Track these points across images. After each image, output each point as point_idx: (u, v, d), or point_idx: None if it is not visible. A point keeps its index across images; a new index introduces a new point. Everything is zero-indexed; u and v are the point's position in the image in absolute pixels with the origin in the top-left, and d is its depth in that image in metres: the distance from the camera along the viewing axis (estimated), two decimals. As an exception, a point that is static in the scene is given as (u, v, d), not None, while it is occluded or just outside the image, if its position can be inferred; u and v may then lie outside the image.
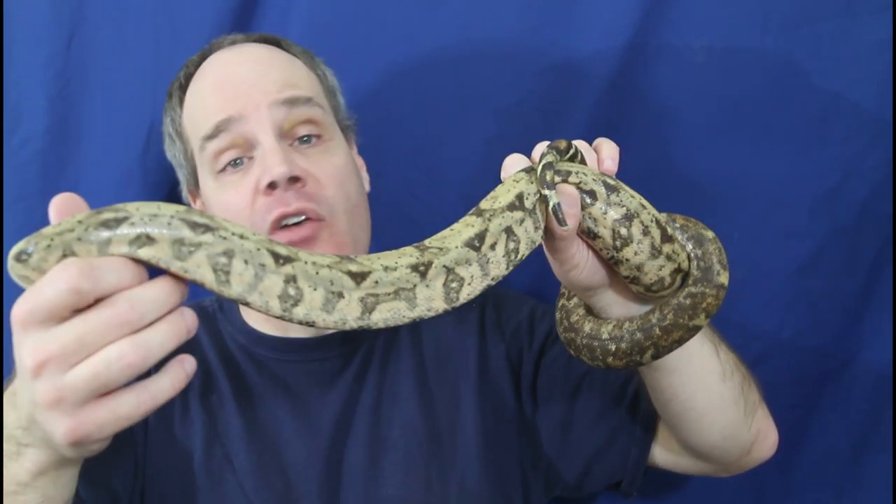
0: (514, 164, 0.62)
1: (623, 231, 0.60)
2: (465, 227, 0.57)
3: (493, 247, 0.57)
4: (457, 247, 0.55)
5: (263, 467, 0.79)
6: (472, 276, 0.56)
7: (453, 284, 0.55)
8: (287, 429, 0.81)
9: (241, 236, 0.49)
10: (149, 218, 0.48)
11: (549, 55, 1.03)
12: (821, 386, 1.05)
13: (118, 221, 0.48)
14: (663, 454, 0.84)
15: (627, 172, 1.09)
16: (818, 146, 1.00)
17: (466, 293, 0.56)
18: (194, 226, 0.48)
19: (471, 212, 0.58)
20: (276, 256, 0.50)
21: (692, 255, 0.65)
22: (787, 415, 1.06)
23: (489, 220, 0.57)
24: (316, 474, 0.79)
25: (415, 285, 0.53)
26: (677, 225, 0.66)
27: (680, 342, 0.65)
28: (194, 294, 1.05)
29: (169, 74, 0.99)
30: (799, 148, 1.01)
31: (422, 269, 0.54)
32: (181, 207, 0.49)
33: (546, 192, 0.57)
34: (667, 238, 0.62)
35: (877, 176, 1.00)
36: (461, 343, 0.88)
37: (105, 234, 0.47)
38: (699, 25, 1.00)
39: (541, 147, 0.61)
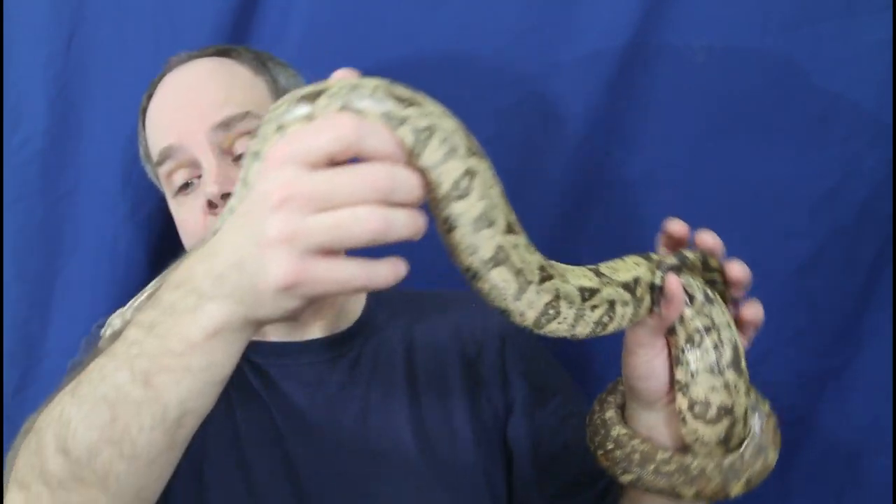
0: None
1: (697, 336, 0.62)
2: (583, 276, 0.58)
3: (593, 308, 0.57)
4: (572, 283, 0.56)
5: (253, 468, 0.78)
6: (565, 318, 0.56)
7: (550, 311, 0.55)
8: (267, 434, 0.80)
9: (442, 114, 0.50)
10: (349, 89, 0.48)
11: (549, 55, 1.03)
12: (821, 386, 1.05)
13: (316, 94, 0.48)
14: None
15: (628, 173, 1.10)
16: (818, 146, 1.00)
17: (552, 328, 0.56)
18: (399, 99, 0.48)
19: (590, 267, 0.59)
20: (468, 147, 0.50)
21: (750, 449, 0.65)
22: (787, 415, 1.06)
23: (604, 284, 0.58)
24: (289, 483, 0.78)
25: (530, 283, 0.54)
26: (770, 424, 0.67)
27: (658, 492, 0.66)
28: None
29: (169, 75, 0.99)
30: (799, 148, 1.01)
31: (543, 274, 0.54)
32: (382, 80, 0.49)
33: (657, 271, 0.60)
34: (737, 367, 0.63)
35: (877, 176, 1.00)
36: (458, 356, 0.88)
37: (305, 108, 0.48)
38: (699, 25, 1.00)
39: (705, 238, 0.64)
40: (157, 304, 0.53)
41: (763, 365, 1.04)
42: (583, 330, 0.58)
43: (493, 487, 0.83)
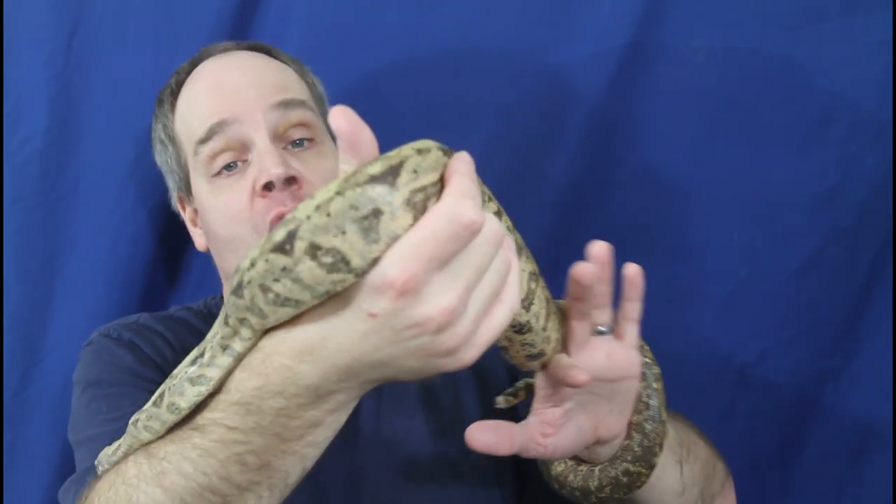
0: None
1: None
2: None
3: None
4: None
5: None
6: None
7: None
8: None
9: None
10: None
11: (549, 55, 1.03)
12: (821, 386, 1.05)
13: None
14: None
15: (628, 172, 1.09)
16: (818, 146, 1.00)
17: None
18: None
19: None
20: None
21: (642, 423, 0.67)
22: (787, 415, 1.06)
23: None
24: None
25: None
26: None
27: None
28: (189, 298, 1.04)
29: (169, 74, 0.99)
30: (799, 148, 1.01)
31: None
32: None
33: None
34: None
35: (877, 176, 0.99)
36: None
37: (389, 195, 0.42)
38: (699, 25, 1.00)
39: None
40: (251, 410, 0.49)
41: (763, 365, 1.04)
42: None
43: (500, 475, 0.83)
